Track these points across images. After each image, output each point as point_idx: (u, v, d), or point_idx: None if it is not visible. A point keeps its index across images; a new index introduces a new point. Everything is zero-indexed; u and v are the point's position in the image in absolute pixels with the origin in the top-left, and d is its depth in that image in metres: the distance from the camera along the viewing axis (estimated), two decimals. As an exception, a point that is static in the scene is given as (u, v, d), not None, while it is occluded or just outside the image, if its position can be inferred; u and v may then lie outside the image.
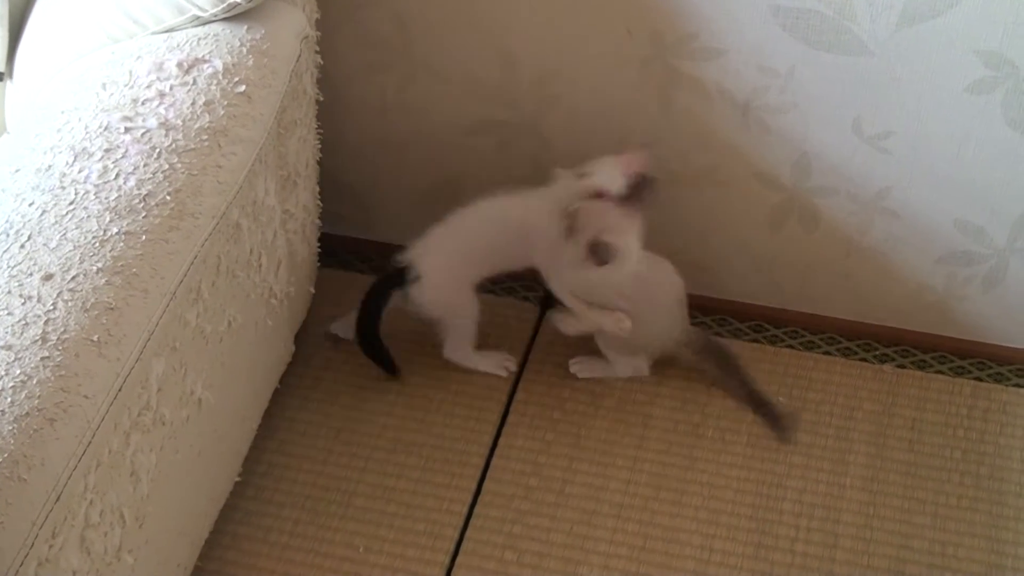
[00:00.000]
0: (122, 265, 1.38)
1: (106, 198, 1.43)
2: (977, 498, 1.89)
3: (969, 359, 2.09)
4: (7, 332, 1.28)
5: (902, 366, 2.09)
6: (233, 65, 1.62)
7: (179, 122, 1.53)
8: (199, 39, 1.64)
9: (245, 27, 1.66)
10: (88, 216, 1.41)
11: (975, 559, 1.81)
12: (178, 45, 1.63)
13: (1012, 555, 1.82)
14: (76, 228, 1.39)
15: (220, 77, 1.60)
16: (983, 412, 2.01)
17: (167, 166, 1.48)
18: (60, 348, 1.29)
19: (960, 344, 2.10)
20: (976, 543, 1.83)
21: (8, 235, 1.39)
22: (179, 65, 1.60)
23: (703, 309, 2.17)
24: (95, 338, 1.31)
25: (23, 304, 1.31)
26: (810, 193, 1.99)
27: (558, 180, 1.91)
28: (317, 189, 1.97)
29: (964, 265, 2.00)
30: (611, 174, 1.86)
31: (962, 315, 2.07)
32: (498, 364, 2.07)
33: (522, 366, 2.11)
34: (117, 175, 1.46)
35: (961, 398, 2.03)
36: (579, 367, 2.07)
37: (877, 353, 2.10)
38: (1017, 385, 2.05)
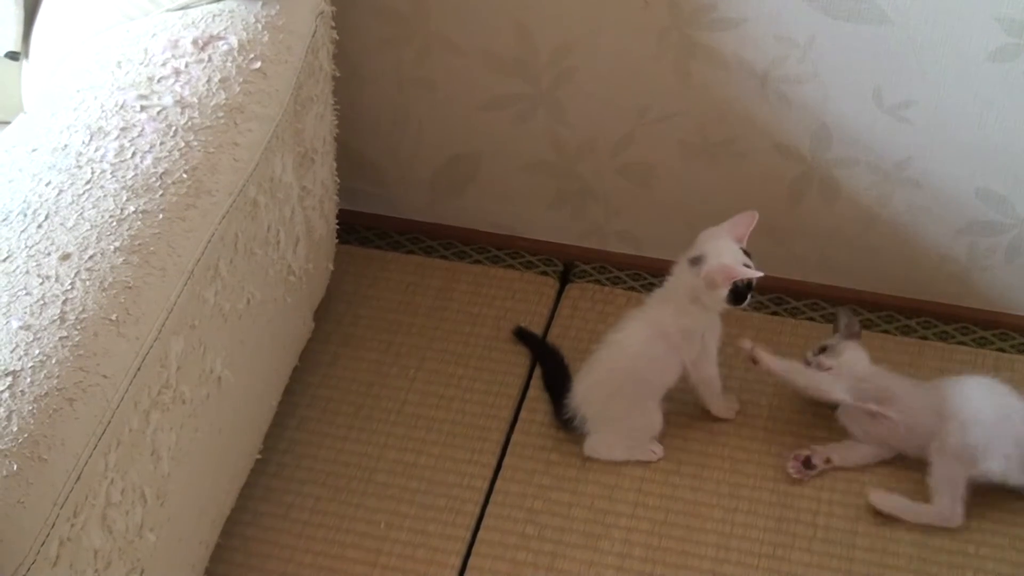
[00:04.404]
0: (139, 244, 1.38)
1: (122, 177, 1.43)
2: (1000, 469, 1.88)
3: (992, 330, 2.08)
4: (26, 312, 1.29)
5: (924, 337, 2.07)
6: (248, 42, 1.61)
7: (195, 99, 1.53)
8: (214, 16, 1.63)
9: (260, 3, 1.65)
10: (105, 195, 1.41)
11: (999, 531, 1.80)
12: (193, 22, 1.62)
13: (1036, 526, 1.81)
14: (93, 207, 1.39)
15: (235, 54, 1.59)
16: (1006, 383, 1.99)
17: (183, 144, 1.48)
18: (78, 328, 1.29)
19: (982, 315, 2.08)
20: (999, 516, 1.82)
21: (26, 215, 1.39)
22: (194, 42, 1.60)
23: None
24: (113, 317, 1.31)
25: (41, 284, 1.31)
26: (830, 164, 1.97)
27: (673, 273, 1.86)
28: (335, 165, 1.96)
29: (986, 235, 1.98)
30: (724, 247, 1.80)
31: (984, 286, 2.05)
32: (649, 450, 1.92)
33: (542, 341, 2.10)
34: (133, 154, 1.46)
35: (984, 369, 2.01)
36: (879, 499, 1.85)
37: (899, 324, 2.09)
38: (1040, 355, 2.04)
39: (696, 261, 1.80)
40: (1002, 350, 2.05)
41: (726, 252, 1.79)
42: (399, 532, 1.85)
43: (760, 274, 1.77)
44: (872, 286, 2.11)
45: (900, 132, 1.89)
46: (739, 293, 1.79)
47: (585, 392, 1.89)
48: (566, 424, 1.91)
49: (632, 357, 1.86)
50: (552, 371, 2.02)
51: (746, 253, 1.80)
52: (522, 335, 2.09)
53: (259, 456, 1.85)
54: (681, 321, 1.83)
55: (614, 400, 1.88)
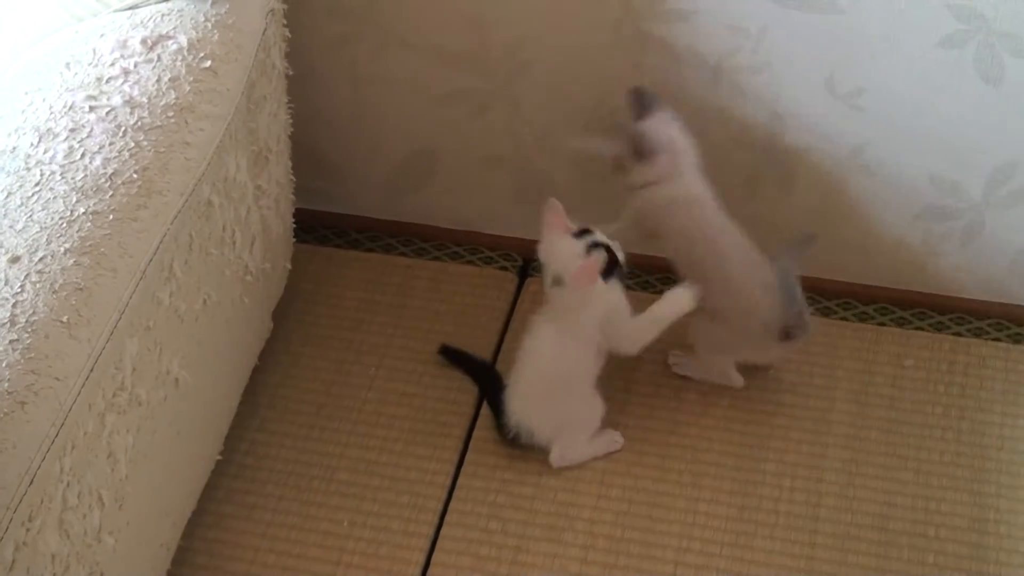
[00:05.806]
0: (90, 245, 1.37)
1: (72, 178, 1.42)
2: (959, 453, 1.89)
3: (948, 315, 2.09)
4: (-25, 316, 1.28)
5: (882, 324, 2.09)
6: (198, 40, 1.60)
7: (144, 99, 1.52)
8: (163, 15, 1.62)
9: (209, 2, 1.64)
10: (54, 197, 1.40)
11: (958, 513, 1.82)
12: (142, 22, 1.62)
13: (994, 508, 1.82)
14: (42, 209, 1.38)
15: (185, 53, 1.58)
16: (963, 367, 2.01)
17: (133, 144, 1.47)
18: (29, 330, 1.28)
19: (939, 300, 2.10)
20: (959, 497, 1.84)
21: (-26, 218, 1.38)
22: (143, 42, 1.59)
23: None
24: (64, 319, 1.30)
25: (-10, 287, 1.30)
26: (785, 153, 1.98)
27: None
28: (290, 164, 1.95)
29: (941, 220, 2.00)
30: (561, 249, 1.79)
31: (940, 271, 2.07)
32: (611, 441, 1.92)
33: (502, 336, 2.10)
34: (83, 155, 1.45)
35: (941, 354, 2.03)
36: (677, 363, 2.00)
37: (856, 311, 2.10)
38: (996, 339, 2.05)
39: (558, 281, 1.79)
40: (959, 334, 2.06)
41: (565, 253, 1.78)
42: (362, 530, 1.84)
43: (602, 242, 1.77)
44: (829, 273, 2.11)
45: (853, 120, 1.90)
46: (607, 271, 1.77)
47: (519, 405, 1.88)
48: (513, 442, 1.90)
49: (551, 360, 1.84)
50: (489, 387, 1.99)
51: (584, 231, 1.80)
52: (448, 353, 2.06)
53: (220, 457, 1.84)
54: (581, 315, 1.81)
55: (550, 403, 1.86)
